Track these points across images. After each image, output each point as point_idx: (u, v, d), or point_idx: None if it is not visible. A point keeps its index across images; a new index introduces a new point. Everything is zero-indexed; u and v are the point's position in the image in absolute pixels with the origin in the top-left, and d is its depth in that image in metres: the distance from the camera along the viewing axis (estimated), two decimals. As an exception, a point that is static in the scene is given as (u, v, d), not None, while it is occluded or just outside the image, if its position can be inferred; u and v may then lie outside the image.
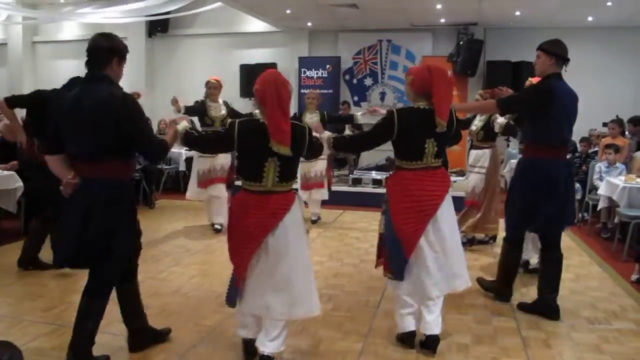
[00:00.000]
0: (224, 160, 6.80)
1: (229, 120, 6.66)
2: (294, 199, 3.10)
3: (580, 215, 7.69)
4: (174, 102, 6.32)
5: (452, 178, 4.21)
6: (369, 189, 8.91)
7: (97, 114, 2.89)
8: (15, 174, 6.22)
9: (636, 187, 6.04)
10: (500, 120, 5.28)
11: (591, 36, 10.91)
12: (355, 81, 12.33)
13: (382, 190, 8.01)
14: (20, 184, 6.18)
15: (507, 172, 8.34)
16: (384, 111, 6.43)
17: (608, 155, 7.14)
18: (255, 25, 12.40)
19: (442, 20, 11.01)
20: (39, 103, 4.85)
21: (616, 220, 6.42)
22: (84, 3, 13.12)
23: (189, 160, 9.38)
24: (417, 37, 11.87)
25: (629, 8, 9.23)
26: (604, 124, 9.02)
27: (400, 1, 9.44)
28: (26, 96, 5.07)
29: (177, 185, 10.18)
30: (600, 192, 6.64)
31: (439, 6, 9.72)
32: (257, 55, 12.52)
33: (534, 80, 4.71)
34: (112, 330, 3.68)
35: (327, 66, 12.08)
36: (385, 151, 9.23)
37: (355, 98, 12.25)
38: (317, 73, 12.11)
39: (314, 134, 3.30)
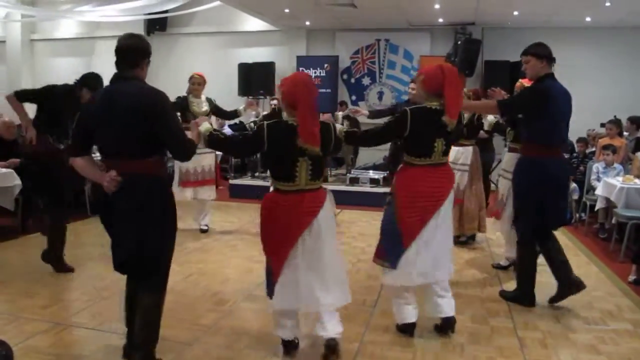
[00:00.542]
0: (210, 160, 6.73)
1: (258, 122, 6.69)
2: (326, 195, 3.19)
3: (577, 215, 7.71)
4: None
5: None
6: (367, 188, 8.90)
7: (133, 110, 2.91)
8: (14, 172, 6.23)
9: (634, 187, 6.06)
10: (490, 118, 5.29)
11: (589, 36, 10.92)
12: (353, 80, 12.33)
13: (379, 190, 8.12)
14: (18, 181, 6.19)
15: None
16: (365, 112, 6.47)
17: (606, 156, 7.16)
18: (254, 24, 12.40)
19: (440, 20, 11.01)
20: (51, 98, 4.85)
21: (613, 220, 6.42)
22: (82, 1, 13.10)
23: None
24: (415, 36, 11.87)
25: (628, 8, 9.23)
26: (602, 125, 9.03)
27: (398, 0, 9.44)
28: (37, 90, 5.07)
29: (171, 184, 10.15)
30: (597, 192, 6.66)
31: (437, 6, 9.72)
32: (255, 54, 12.51)
33: (525, 81, 4.75)
34: (105, 328, 3.68)
35: (325, 65, 12.07)
36: (383, 151, 9.27)
37: (353, 97, 12.25)
38: (315, 72, 12.10)
39: None
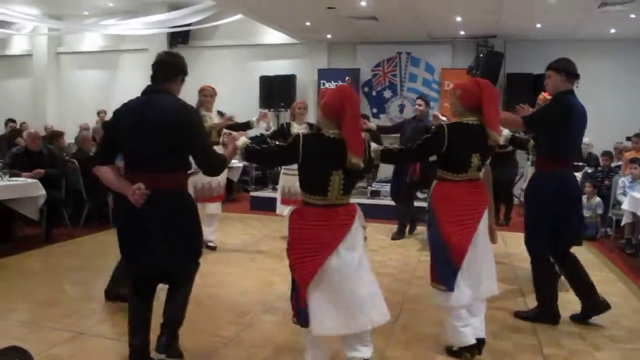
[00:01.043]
0: (223, 176, 6.48)
1: (266, 136, 6.68)
2: (357, 210, 3.14)
3: (603, 230, 7.59)
4: None
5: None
6: (387, 201, 8.85)
7: (165, 124, 2.95)
8: (39, 182, 6.32)
9: (661, 202, 5.94)
10: (505, 132, 5.22)
11: (614, 48, 10.81)
12: (374, 93, 12.33)
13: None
14: (43, 192, 6.28)
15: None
16: (373, 126, 6.39)
17: (633, 170, 7.03)
18: (275, 37, 12.48)
19: (462, 33, 10.98)
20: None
21: (640, 236, 6.31)
22: (107, 15, 13.33)
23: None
24: (437, 49, 11.85)
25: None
26: (628, 138, 8.90)
27: (420, 13, 9.44)
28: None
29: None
30: (624, 207, 6.53)
31: (458, 19, 9.70)
32: (276, 67, 12.59)
33: (547, 94, 4.70)
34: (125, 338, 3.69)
35: (347, 78, 12.09)
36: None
37: (374, 110, 12.25)
38: (336, 85, 12.10)
39: None
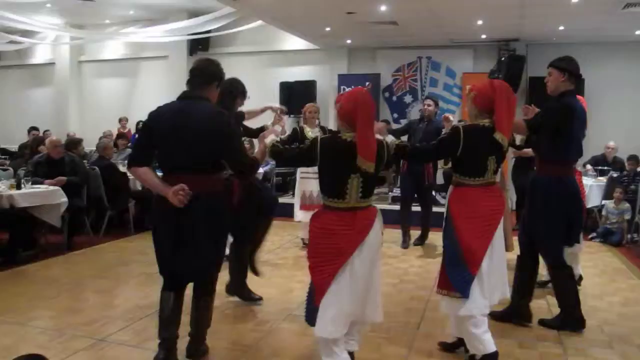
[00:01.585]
0: None
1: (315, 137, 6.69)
2: (376, 213, 3.12)
3: (629, 236, 7.43)
4: None
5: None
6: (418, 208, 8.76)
7: (203, 128, 3.06)
8: (61, 189, 6.37)
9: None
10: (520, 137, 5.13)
11: (638, 50, 10.61)
12: (394, 98, 12.26)
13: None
14: (65, 199, 6.33)
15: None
16: (381, 124, 6.31)
17: (659, 174, 6.89)
18: (295, 42, 12.48)
19: (483, 36, 10.87)
20: None
21: (668, 241, 6.16)
22: (128, 23, 13.47)
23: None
24: (458, 53, 11.74)
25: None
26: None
27: (440, 17, 9.36)
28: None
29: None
30: (650, 212, 6.39)
31: (479, 22, 9.60)
32: (296, 73, 12.58)
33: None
34: (147, 346, 3.67)
35: (367, 83, 12.03)
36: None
37: (395, 115, 12.17)
38: (351, 88, 12.06)
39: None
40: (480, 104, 3.45)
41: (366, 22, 9.77)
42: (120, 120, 12.68)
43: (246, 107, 6.71)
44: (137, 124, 12.08)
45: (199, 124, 3.06)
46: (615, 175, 8.22)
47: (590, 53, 9.93)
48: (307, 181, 6.69)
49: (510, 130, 3.43)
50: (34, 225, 6.40)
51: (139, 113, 12.98)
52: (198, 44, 13.07)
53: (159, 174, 3.26)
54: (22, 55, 15.23)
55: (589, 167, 8.55)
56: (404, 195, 7.39)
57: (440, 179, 9.54)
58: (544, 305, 4.72)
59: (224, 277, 4.32)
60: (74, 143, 8.07)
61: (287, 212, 8.87)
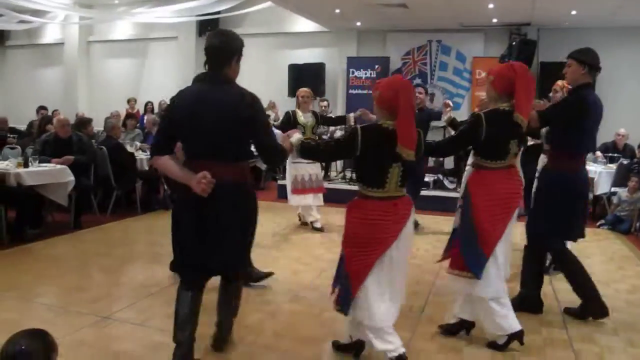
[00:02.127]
0: (317, 169, 6.91)
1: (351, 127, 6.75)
2: (412, 203, 3.12)
3: (638, 224, 7.37)
4: None
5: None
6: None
7: (227, 113, 2.82)
8: (68, 168, 6.38)
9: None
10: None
11: (653, 36, 10.47)
12: (404, 82, 12.17)
13: (430, 193, 7.95)
14: (72, 177, 6.34)
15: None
16: (373, 116, 6.29)
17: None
18: (304, 25, 12.40)
19: (494, 20, 10.75)
20: None
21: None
22: (137, 3, 13.42)
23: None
24: (468, 37, 11.64)
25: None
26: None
27: (451, 1, 9.25)
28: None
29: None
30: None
31: (490, 6, 9.48)
32: (305, 55, 12.52)
33: (566, 83, 4.54)
34: (150, 324, 3.69)
35: (376, 66, 11.97)
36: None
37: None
38: (365, 73, 12.02)
39: None
40: (500, 87, 3.43)
41: (376, 5, 9.69)
42: (128, 101, 12.67)
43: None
44: (146, 104, 12.09)
45: (223, 108, 2.82)
46: (625, 162, 8.14)
47: (602, 38, 9.79)
48: (298, 165, 6.69)
49: (529, 113, 3.42)
50: (42, 203, 6.42)
51: (148, 94, 13.01)
52: (207, 25, 13.01)
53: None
54: (32, 35, 15.26)
55: (598, 154, 8.46)
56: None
57: (449, 164, 9.50)
58: (550, 291, 4.69)
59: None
60: (83, 123, 8.09)
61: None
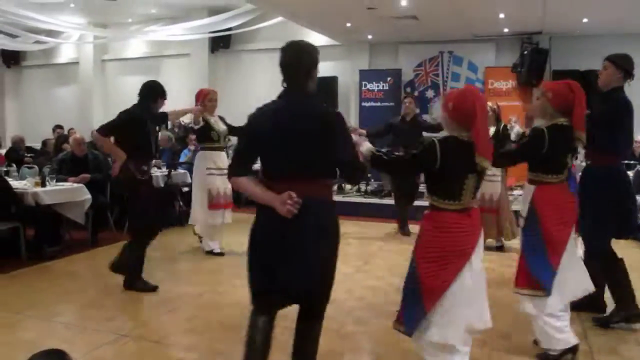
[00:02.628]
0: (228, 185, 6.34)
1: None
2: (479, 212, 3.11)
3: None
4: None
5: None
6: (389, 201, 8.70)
7: (315, 129, 2.71)
8: (84, 187, 6.45)
9: None
10: (517, 129, 5.05)
11: (666, 42, 10.39)
12: (416, 93, 12.14)
13: (424, 203, 7.90)
14: (89, 196, 6.41)
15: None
16: (363, 131, 6.22)
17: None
18: (316, 38, 12.44)
19: (506, 30, 10.74)
20: (132, 123, 4.89)
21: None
22: (150, 21, 13.59)
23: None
24: (480, 47, 11.61)
25: None
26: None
27: (462, 11, 9.27)
28: (116, 121, 4.96)
29: (237, 199, 10.25)
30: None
31: (501, 15, 9.48)
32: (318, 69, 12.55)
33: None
34: (167, 341, 3.69)
35: (388, 79, 11.98)
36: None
37: (417, 110, 12.04)
38: (377, 86, 12.03)
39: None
40: (557, 104, 3.54)
41: (387, 17, 9.72)
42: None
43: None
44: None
45: (311, 124, 2.70)
46: (639, 165, 8.08)
47: (614, 45, 9.64)
48: (217, 178, 6.24)
49: (584, 130, 3.53)
50: (59, 221, 6.49)
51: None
52: (220, 42, 13.15)
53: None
54: (47, 55, 15.47)
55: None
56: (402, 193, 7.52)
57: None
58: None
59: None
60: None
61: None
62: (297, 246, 2.70)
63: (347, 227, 6.98)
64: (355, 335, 3.71)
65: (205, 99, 6.21)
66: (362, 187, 9.52)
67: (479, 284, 2.95)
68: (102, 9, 12.36)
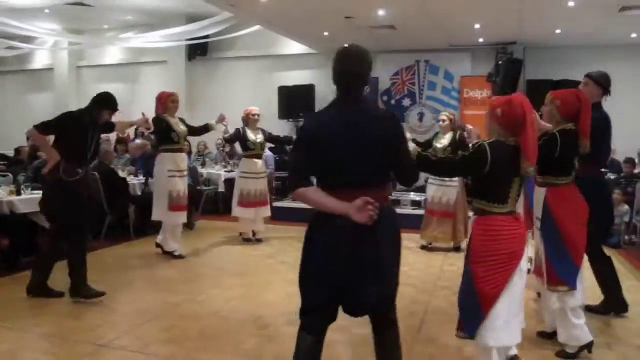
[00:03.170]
0: (263, 185, 7.41)
1: (227, 139, 7.32)
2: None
3: (627, 238, 7.46)
4: (221, 119, 6.87)
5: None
6: (408, 210, 8.81)
7: (381, 134, 2.64)
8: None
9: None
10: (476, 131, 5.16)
11: (635, 54, 10.65)
12: (393, 102, 12.29)
13: (421, 212, 7.97)
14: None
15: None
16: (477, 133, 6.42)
17: (657, 176, 6.93)
18: (293, 47, 12.52)
19: (481, 40, 10.92)
20: (72, 125, 4.89)
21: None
22: (126, 28, 13.50)
23: (228, 182, 9.46)
24: (456, 57, 11.79)
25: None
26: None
27: (438, 22, 9.40)
28: (55, 121, 4.98)
29: (215, 207, 10.23)
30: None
31: (477, 26, 9.65)
32: (295, 77, 12.62)
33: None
34: (147, 351, 3.68)
35: (365, 87, 12.04)
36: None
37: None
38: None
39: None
40: (564, 112, 3.74)
41: (365, 27, 9.82)
42: (119, 125, 12.66)
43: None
44: (137, 129, 12.09)
45: (376, 130, 2.63)
46: (612, 177, 8.25)
47: (586, 56, 9.98)
48: (246, 181, 7.35)
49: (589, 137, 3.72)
50: (35, 231, 6.40)
51: (138, 118, 13.00)
52: (197, 49, 13.14)
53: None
54: (22, 61, 15.27)
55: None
56: None
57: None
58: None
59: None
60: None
61: (288, 216, 8.92)
62: (373, 254, 2.62)
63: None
64: (336, 345, 3.73)
65: (168, 100, 6.49)
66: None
67: (523, 286, 3.08)
68: (77, 15, 12.26)
